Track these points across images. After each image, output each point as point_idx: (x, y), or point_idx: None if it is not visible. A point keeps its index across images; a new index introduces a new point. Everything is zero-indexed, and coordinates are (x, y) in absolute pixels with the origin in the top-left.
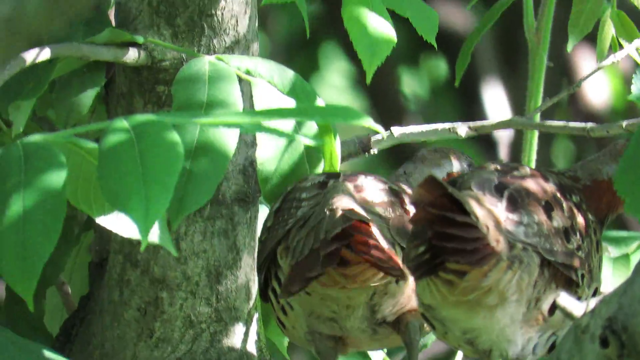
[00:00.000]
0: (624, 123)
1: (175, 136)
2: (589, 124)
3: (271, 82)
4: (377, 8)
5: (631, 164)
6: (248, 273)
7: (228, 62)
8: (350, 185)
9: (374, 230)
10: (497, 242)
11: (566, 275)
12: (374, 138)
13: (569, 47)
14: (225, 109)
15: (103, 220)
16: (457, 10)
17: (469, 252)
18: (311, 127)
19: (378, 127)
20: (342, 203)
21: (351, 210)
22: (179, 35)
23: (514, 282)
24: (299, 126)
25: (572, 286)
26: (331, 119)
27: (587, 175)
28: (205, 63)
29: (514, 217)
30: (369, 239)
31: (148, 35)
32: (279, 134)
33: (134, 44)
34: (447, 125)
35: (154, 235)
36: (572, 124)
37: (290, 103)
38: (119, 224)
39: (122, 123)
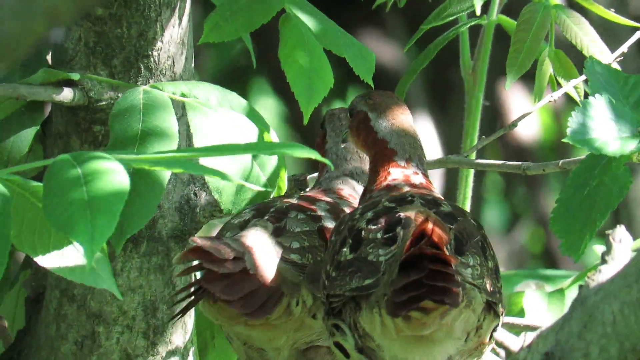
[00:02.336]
0: (560, 162)
1: (119, 167)
2: (525, 163)
3: (206, 103)
4: (314, 49)
5: (566, 207)
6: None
7: (163, 89)
8: (269, 228)
9: None
10: (461, 284)
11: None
12: (310, 176)
13: (507, 86)
14: (161, 137)
15: (45, 261)
16: (383, 44)
17: (449, 292)
18: (267, 160)
19: (326, 161)
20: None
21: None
22: (116, 76)
23: (464, 320)
24: (255, 157)
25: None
26: (280, 152)
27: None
28: (139, 92)
29: (462, 259)
30: None
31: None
32: (222, 177)
33: (71, 84)
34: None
35: (101, 280)
36: (509, 163)
37: (228, 123)
38: (61, 265)
39: (67, 157)
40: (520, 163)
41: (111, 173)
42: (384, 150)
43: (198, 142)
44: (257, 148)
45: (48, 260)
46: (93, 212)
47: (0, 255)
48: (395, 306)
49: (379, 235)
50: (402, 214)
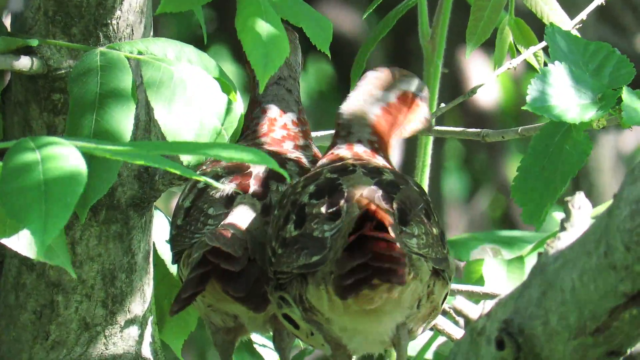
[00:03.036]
0: (519, 129)
1: (80, 159)
2: (484, 130)
3: (163, 59)
4: (271, 18)
5: (527, 175)
6: (143, 276)
7: (120, 49)
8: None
9: None
10: (405, 258)
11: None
12: None
13: (467, 54)
14: (119, 99)
15: (3, 239)
16: (344, 13)
17: (395, 273)
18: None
19: (284, 173)
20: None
21: None
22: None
23: (411, 290)
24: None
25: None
26: (238, 159)
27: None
28: (97, 54)
29: (407, 229)
30: None
31: (44, 44)
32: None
33: (30, 53)
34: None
35: (56, 257)
36: (468, 130)
37: (185, 77)
38: (18, 243)
39: (29, 143)
40: (479, 130)
41: (69, 161)
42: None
43: (152, 98)
44: (215, 148)
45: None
46: (48, 201)
47: None
48: (342, 289)
49: (322, 210)
50: (344, 187)
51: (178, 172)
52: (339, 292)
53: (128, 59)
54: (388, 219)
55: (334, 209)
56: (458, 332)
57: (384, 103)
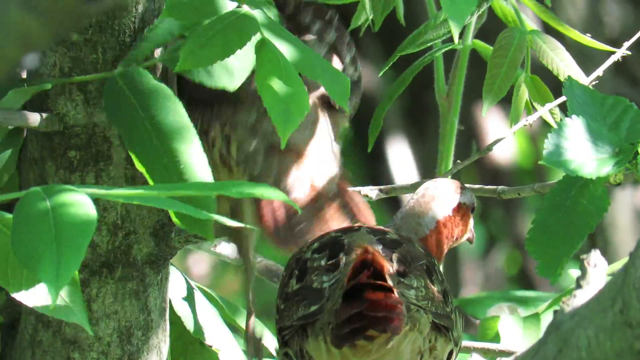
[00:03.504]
0: (535, 185)
1: (89, 203)
2: (500, 187)
3: None
4: (290, 75)
5: (543, 227)
6: (159, 333)
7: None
8: None
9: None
10: (402, 306)
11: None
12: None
13: (484, 112)
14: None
15: (19, 296)
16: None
17: (390, 321)
18: None
19: (293, 204)
20: None
21: None
22: (91, 102)
23: (410, 341)
24: None
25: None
26: (248, 194)
27: (412, 234)
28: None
29: (405, 280)
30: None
31: (59, 101)
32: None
33: (45, 110)
34: (358, 188)
35: (73, 314)
36: (485, 187)
37: None
38: (34, 298)
39: (37, 190)
40: (495, 187)
41: (79, 206)
42: None
43: None
44: (225, 188)
45: (20, 292)
46: (59, 247)
47: None
48: (339, 338)
49: (322, 263)
50: (345, 241)
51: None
52: (335, 342)
53: None
54: (385, 266)
55: (333, 260)
56: None
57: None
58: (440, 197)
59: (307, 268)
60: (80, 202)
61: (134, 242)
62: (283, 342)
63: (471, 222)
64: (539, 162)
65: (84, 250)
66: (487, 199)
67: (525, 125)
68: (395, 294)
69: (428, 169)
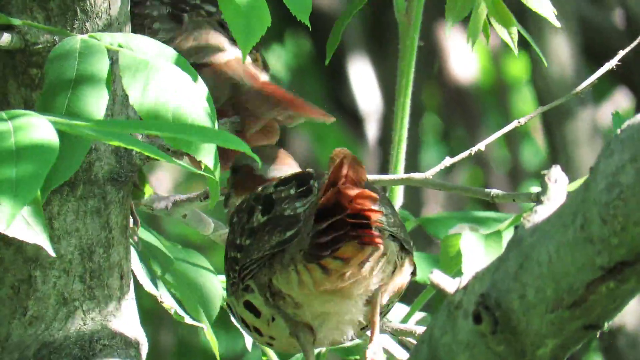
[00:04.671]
0: (532, 194)
1: (52, 132)
2: (494, 191)
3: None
4: None
5: None
6: (120, 251)
7: (100, 39)
8: None
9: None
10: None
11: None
12: None
13: (447, 31)
14: (93, 85)
15: None
16: None
17: (371, 237)
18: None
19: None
20: None
21: None
22: (52, 19)
23: (381, 269)
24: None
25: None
26: (209, 141)
27: None
28: (77, 41)
29: (378, 207)
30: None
31: (21, 18)
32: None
33: (7, 28)
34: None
35: (34, 234)
36: (476, 189)
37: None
38: None
39: (1, 114)
40: (488, 190)
41: (42, 131)
42: None
43: (125, 82)
44: (185, 131)
45: None
46: (19, 170)
47: None
48: (313, 248)
49: (292, 191)
50: (312, 171)
51: (152, 155)
52: (312, 254)
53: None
54: (365, 175)
55: (304, 187)
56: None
57: None
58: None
59: (275, 200)
60: (42, 128)
61: (95, 159)
62: (243, 285)
63: None
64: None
65: (42, 177)
66: (448, 116)
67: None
68: (377, 207)
69: (389, 86)
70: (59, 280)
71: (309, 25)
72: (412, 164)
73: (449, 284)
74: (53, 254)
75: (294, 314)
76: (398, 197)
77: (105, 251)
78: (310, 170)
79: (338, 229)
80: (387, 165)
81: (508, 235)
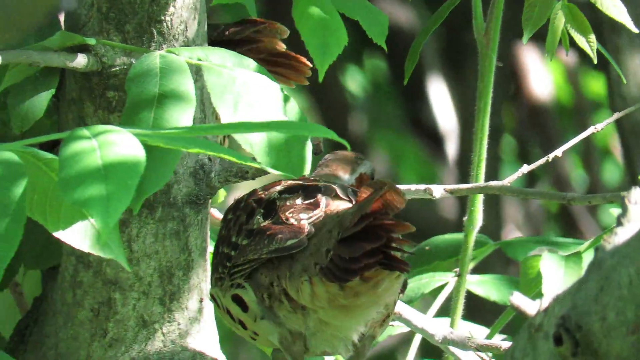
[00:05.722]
0: (608, 194)
1: (137, 145)
2: (570, 194)
3: (224, 65)
4: (327, 8)
5: None
6: (200, 273)
7: (179, 54)
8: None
9: None
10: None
11: None
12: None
13: (525, 40)
14: (178, 100)
15: (58, 234)
16: (398, 7)
17: (400, 262)
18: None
19: (344, 142)
20: None
21: None
22: (129, 42)
23: (393, 291)
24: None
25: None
26: (297, 131)
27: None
28: (156, 57)
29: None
30: None
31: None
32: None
33: (84, 50)
34: (422, 186)
35: (108, 249)
36: (552, 193)
37: (246, 85)
38: (72, 236)
39: (83, 131)
40: (564, 194)
41: (126, 145)
42: None
43: (215, 102)
44: (271, 126)
45: (59, 231)
46: (108, 185)
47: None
48: (342, 270)
49: (298, 202)
50: (321, 185)
51: (234, 159)
52: (337, 273)
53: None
54: (402, 204)
55: (312, 200)
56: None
57: None
58: (341, 166)
59: (277, 206)
60: (127, 143)
61: (173, 182)
62: (231, 281)
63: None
64: None
65: (133, 189)
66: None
67: (558, 59)
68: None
69: (466, 105)
70: (139, 303)
71: (385, 48)
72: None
73: (529, 306)
74: (128, 269)
75: (284, 317)
76: (477, 219)
77: (185, 274)
78: (320, 183)
79: (370, 256)
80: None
81: (588, 257)
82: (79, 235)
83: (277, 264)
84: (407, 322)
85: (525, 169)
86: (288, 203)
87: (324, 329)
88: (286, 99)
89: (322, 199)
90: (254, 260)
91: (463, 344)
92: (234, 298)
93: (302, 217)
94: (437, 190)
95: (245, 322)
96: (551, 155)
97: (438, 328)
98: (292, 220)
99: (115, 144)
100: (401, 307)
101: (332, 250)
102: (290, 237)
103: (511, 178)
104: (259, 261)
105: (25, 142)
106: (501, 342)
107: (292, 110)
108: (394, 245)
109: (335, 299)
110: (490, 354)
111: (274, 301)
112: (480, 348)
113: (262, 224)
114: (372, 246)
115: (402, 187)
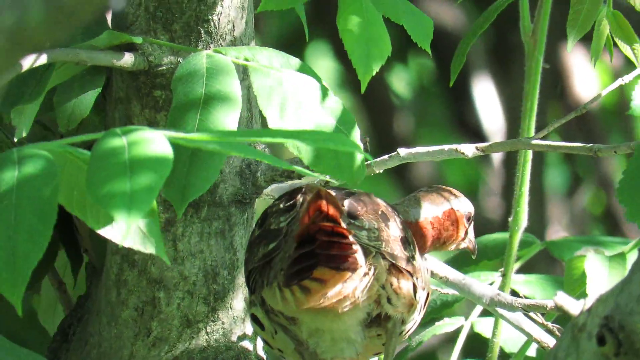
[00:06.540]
0: (632, 143)
1: (166, 145)
2: (596, 145)
3: (269, 66)
4: (372, 17)
5: (632, 176)
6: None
7: (226, 53)
8: None
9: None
10: (357, 250)
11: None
12: (380, 158)
13: (569, 47)
14: (224, 101)
15: (101, 230)
16: (444, 6)
17: (344, 260)
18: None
19: (368, 157)
20: None
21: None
22: (176, 41)
23: (366, 289)
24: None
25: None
26: (324, 144)
27: (402, 214)
28: (203, 57)
29: (356, 222)
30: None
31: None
32: (276, 163)
33: (131, 49)
34: (453, 146)
35: (150, 245)
36: (579, 145)
37: (292, 82)
38: (114, 232)
39: (115, 130)
40: (591, 145)
41: (155, 144)
42: None
43: (262, 104)
44: (301, 137)
45: (100, 227)
46: (133, 185)
47: (44, 227)
48: (288, 277)
49: (281, 206)
50: (305, 184)
51: (276, 165)
52: (283, 281)
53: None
54: (338, 208)
55: (291, 202)
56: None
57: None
58: (435, 198)
59: (267, 214)
60: (156, 140)
61: (219, 181)
62: (250, 298)
63: (470, 232)
64: (627, 113)
65: (157, 190)
66: (572, 138)
67: (604, 61)
68: (349, 236)
69: (512, 106)
70: (183, 302)
71: (430, 52)
72: (536, 185)
73: (573, 306)
74: (168, 263)
75: (291, 329)
76: (523, 219)
77: (230, 273)
78: (305, 184)
79: (310, 258)
80: (511, 186)
81: (632, 257)
82: (119, 232)
83: (262, 274)
84: (453, 285)
85: (556, 122)
86: (274, 209)
87: (320, 335)
88: (332, 99)
89: (300, 198)
90: (251, 271)
91: (510, 305)
92: (252, 318)
93: (280, 220)
94: (469, 149)
95: (268, 341)
96: (581, 108)
97: (485, 290)
98: (273, 225)
99: (145, 143)
100: (448, 271)
101: (291, 254)
102: (272, 241)
103: (541, 133)
104: (254, 272)
105: (65, 142)
106: (546, 301)
107: (337, 109)
108: (343, 243)
109: (303, 303)
110: (539, 313)
111: (271, 314)
112: (527, 308)
113: (256, 234)
114: (302, 251)
115: (433, 148)
